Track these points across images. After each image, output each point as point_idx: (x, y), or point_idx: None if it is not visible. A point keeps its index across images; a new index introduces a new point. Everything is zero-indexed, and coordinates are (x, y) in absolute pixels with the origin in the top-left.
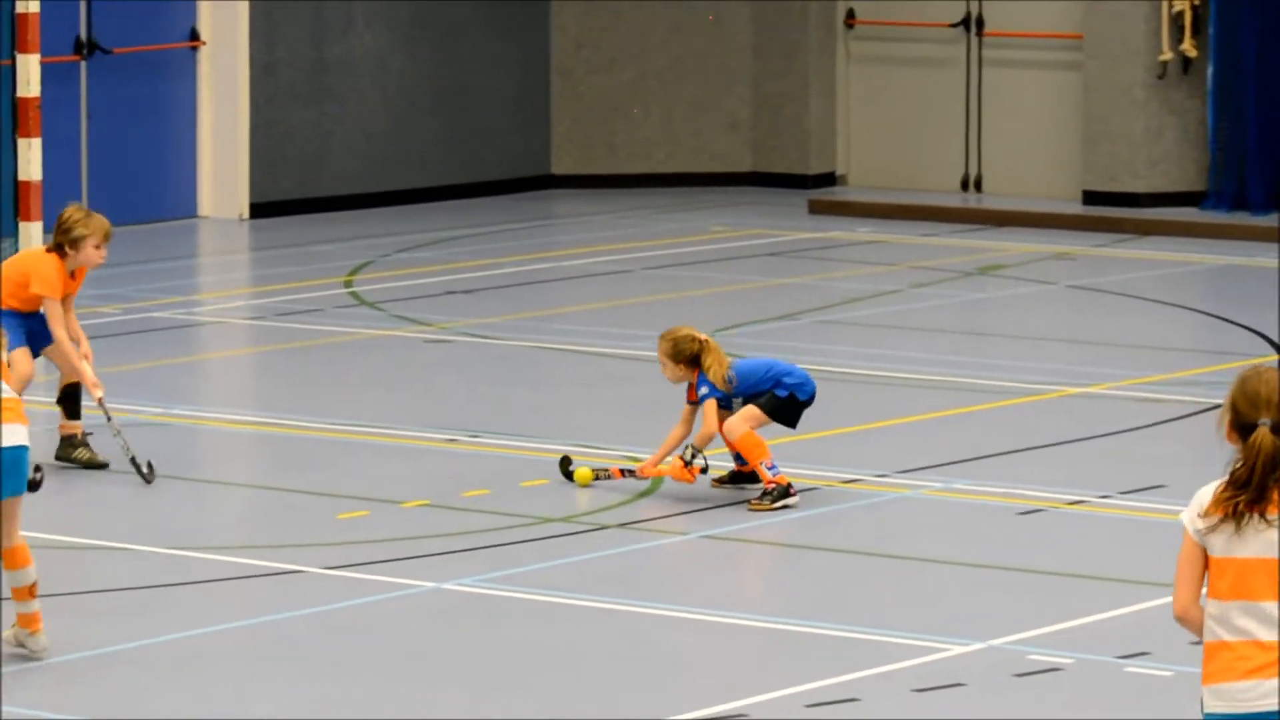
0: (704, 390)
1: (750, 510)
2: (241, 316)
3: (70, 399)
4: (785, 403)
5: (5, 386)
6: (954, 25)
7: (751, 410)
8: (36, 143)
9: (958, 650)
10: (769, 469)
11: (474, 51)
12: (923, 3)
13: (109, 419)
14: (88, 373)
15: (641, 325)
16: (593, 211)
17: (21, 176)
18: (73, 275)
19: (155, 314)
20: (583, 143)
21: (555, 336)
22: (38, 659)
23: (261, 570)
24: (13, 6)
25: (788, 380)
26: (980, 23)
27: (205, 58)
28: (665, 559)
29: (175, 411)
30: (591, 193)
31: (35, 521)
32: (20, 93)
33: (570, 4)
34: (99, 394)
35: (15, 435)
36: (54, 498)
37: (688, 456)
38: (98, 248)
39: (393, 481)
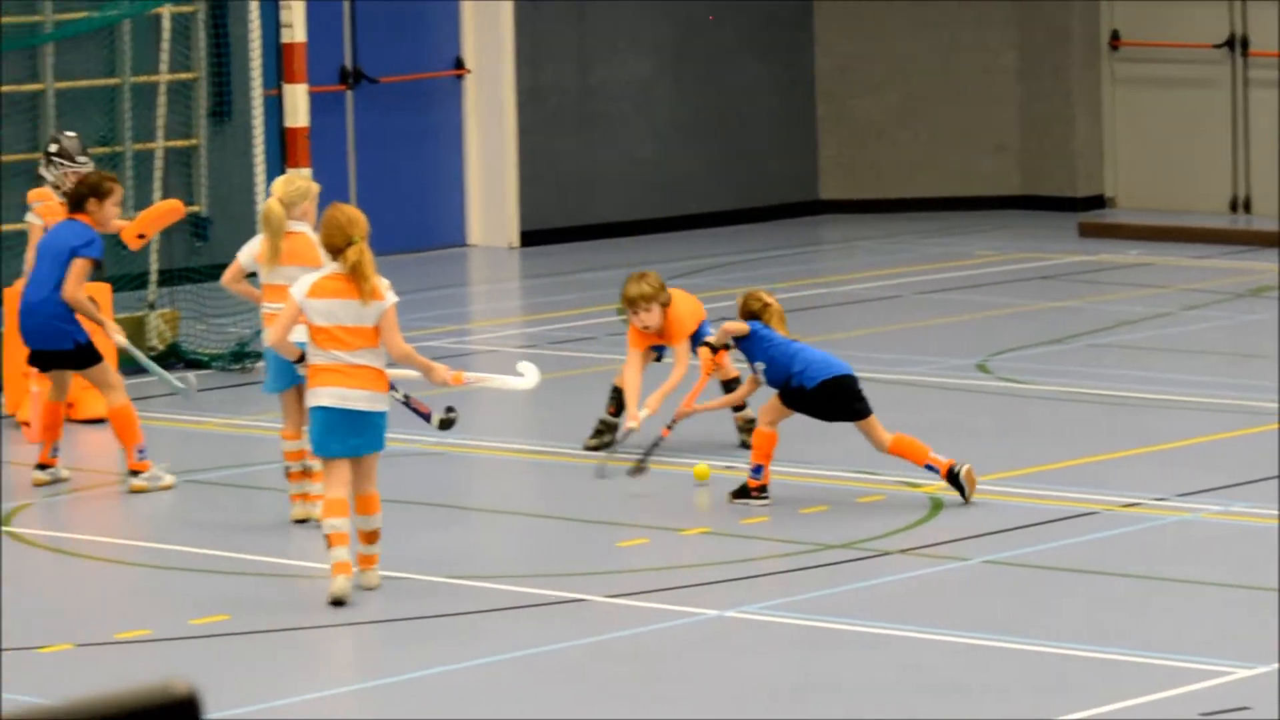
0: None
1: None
2: (514, 344)
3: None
4: (794, 393)
5: (368, 356)
6: (1218, 46)
7: (771, 402)
8: (305, 172)
9: (1243, 673)
10: (752, 471)
11: (739, 76)
12: (1187, 24)
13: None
14: (633, 405)
15: (911, 350)
16: (860, 236)
17: None
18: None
19: (428, 343)
20: (849, 167)
21: None
22: (371, 589)
23: (543, 599)
24: (278, 37)
25: (796, 370)
26: (1245, 43)
27: (471, 85)
28: (946, 584)
29: (450, 440)
30: (859, 217)
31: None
32: (288, 123)
33: (834, 28)
34: (631, 425)
35: (372, 401)
36: None
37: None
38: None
39: (672, 509)
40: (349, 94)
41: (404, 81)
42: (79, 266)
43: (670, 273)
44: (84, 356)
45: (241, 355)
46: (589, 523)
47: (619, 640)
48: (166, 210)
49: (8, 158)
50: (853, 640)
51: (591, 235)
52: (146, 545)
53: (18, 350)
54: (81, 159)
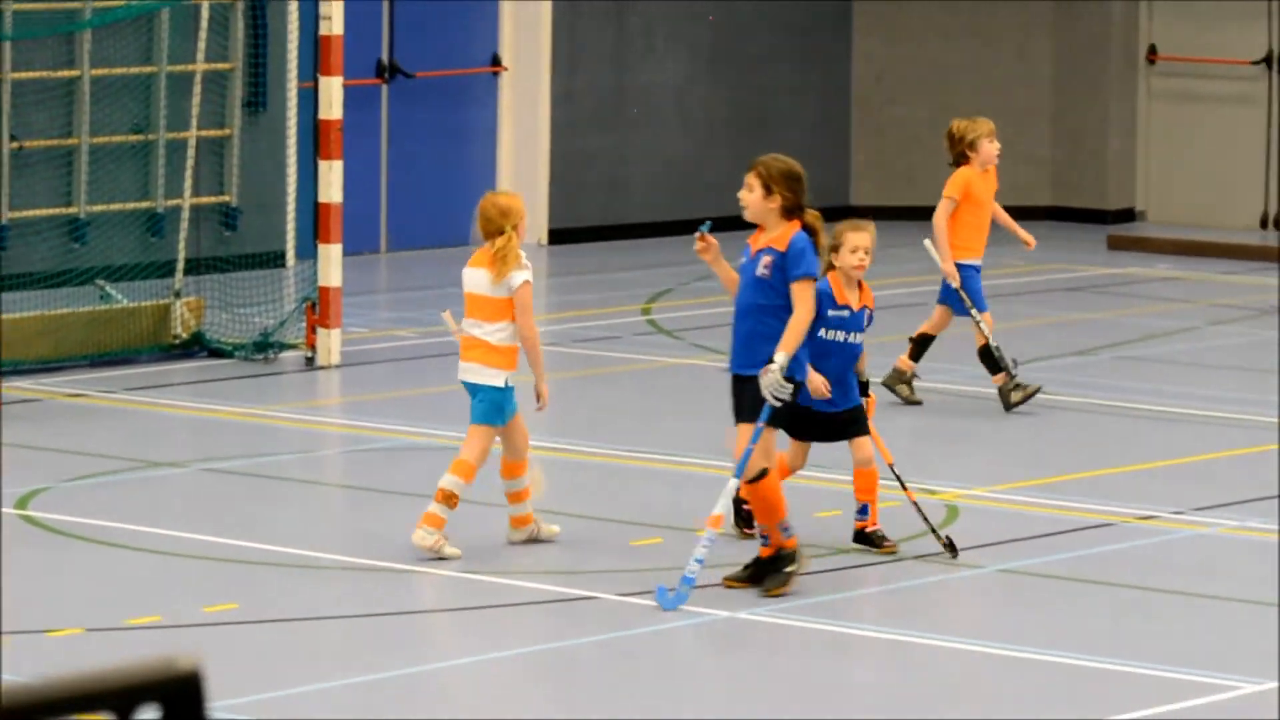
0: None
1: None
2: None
3: (921, 344)
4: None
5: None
6: (1255, 63)
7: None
8: (338, 165)
9: (1249, 689)
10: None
11: (774, 80)
12: (1224, 40)
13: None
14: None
15: (938, 358)
16: (891, 244)
17: (322, 199)
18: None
19: (452, 339)
20: (882, 174)
21: None
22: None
23: (554, 595)
24: (316, 29)
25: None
26: None
27: (506, 83)
28: (959, 592)
29: (460, 434)
30: (890, 224)
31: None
32: (322, 115)
33: (873, 35)
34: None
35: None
36: (366, 524)
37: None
38: (991, 140)
39: (688, 508)
40: (384, 88)
41: (440, 77)
42: None
43: (699, 274)
44: None
45: (264, 345)
46: (604, 520)
47: (628, 639)
48: None
49: (40, 143)
50: (865, 646)
51: (621, 235)
52: (161, 532)
53: None
54: None
